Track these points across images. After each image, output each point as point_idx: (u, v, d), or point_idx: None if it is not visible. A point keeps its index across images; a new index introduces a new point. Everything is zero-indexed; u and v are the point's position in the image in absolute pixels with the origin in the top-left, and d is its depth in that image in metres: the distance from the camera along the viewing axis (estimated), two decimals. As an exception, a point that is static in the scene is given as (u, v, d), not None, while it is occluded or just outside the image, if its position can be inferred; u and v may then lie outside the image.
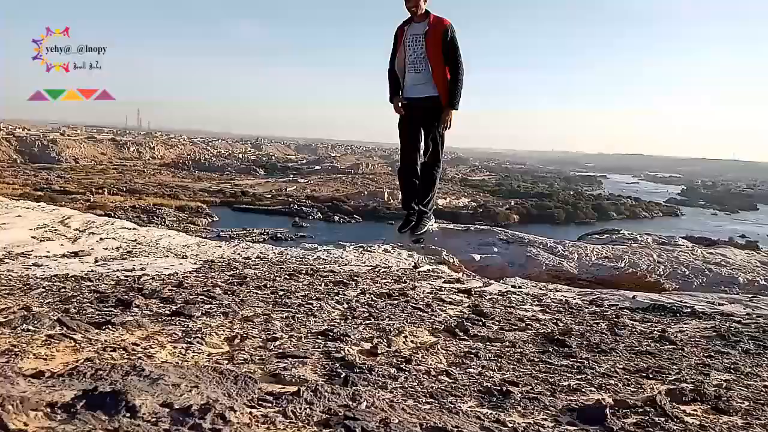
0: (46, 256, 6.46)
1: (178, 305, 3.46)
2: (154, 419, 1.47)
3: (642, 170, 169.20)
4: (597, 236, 15.76)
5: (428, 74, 3.93)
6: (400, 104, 4.08)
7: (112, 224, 9.57)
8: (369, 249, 11.38)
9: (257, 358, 2.50)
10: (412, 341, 3.17)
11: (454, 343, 3.25)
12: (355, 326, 3.37)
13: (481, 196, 70.82)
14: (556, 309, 5.12)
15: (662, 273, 10.54)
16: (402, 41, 3.98)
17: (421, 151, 4.17)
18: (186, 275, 5.49)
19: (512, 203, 63.81)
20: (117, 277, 5.09)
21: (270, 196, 63.29)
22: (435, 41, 3.85)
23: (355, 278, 5.98)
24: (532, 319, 4.34)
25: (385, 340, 3.05)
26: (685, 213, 71.56)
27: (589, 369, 2.82)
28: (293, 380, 2.17)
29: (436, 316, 4.03)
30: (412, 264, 9.95)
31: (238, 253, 8.94)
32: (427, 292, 5.41)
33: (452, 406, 2.05)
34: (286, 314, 3.55)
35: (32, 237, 7.54)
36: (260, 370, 2.30)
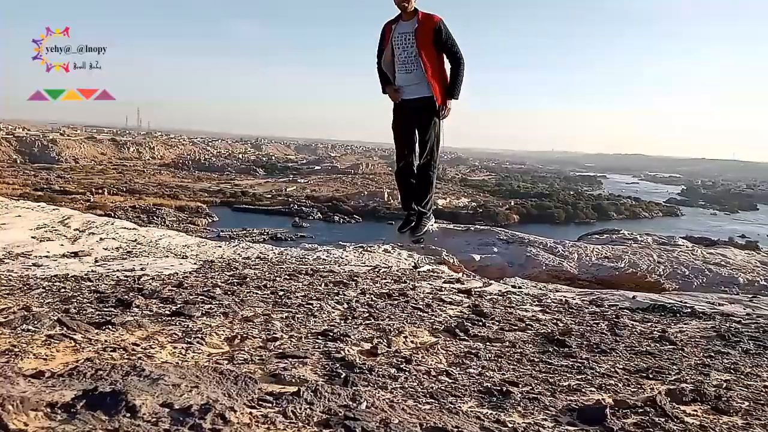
0: (46, 256, 6.46)
1: (178, 305, 3.46)
2: (154, 419, 1.47)
3: (642, 170, 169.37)
4: (597, 236, 15.75)
5: (421, 73, 3.83)
6: (395, 91, 3.91)
7: (112, 224, 9.57)
8: (369, 249, 11.38)
9: (257, 358, 2.49)
10: (412, 341, 3.17)
11: (454, 343, 3.25)
12: (355, 326, 3.37)
13: (481, 196, 70.93)
14: (556, 309, 5.12)
15: (662, 273, 10.54)
16: (389, 39, 3.88)
17: (417, 152, 4.11)
18: (186, 275, 5.49)
19: (512, 203, 63.91)
20: (117, 277, 5.09)
21: (270, 196, 63.36)
22: (426, 39, 3.73)
23: (355, 278, 5.98)
24: (532, 320, 4.34)
25: (385, 341, 3.05)
26: (685, 213, 71.67)
27: (589, 369, 2.82)
28: (293, 380, 2.17)
29: (436, 317, 4.03)
30: (412, 264, 9.95)
31: (238, 254, 8.94)
32: (427, 292, 5.41)
33: (452, 406, 2.05)
34: (286, 314, 3.55)
35: (32, 237, 7.54)
36: (260, 370, 2.29)
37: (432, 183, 4.20)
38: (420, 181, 4.16)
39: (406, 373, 2.44)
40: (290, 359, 2.49)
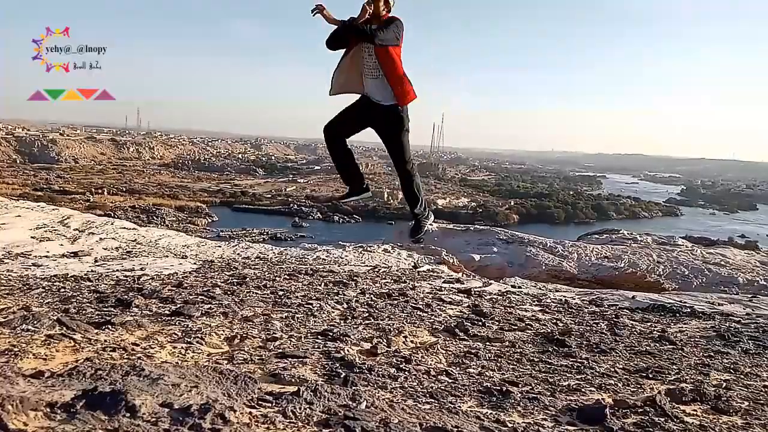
0: (46, 256, 6.45)
1: (178, 305, 3.46)
2: (153, 419, 1.47)
3: (642, 170, 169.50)
4: (596, 236, 15.75)
5: (385, 81, 3.88)
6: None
7: (112, 224, 9.56)
8: (369, 249, 11.38)
9: (257, 358, 2.50)
10: (411, 341, 3.17)
11: (454, 343, 3.25)
12: (355, 326, 3.37)
13: (481, 196, 70.87)
14: (555, 309, 5.13)
15: (662, 273, 10.54)
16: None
17: (348, 136, 4.08)
18: (185, 275, 5.49)
19: (512, 203, 63.85)
20: (117, 277, 5.09)
21: (270, 196, 63.32)
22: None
23: (355, 278, 5.98)
24: (532, 319, 4.34)
25: (385, 340, 3.06)
26: (684, 213, 71.65)
27: (588, 369, 2.82)
28: (293, 380, 2.17)
29: (435, 316, 4.04)
30: (412, 264, 9.95)
31: (238, 253, 8.94)
32: (427, 292, 5.41)
33: (452, 406, 2.05)
34: (286, 314, 3.55)
35: (32, 237, 7.53)
36: (260, 370, 2.30)
37: (419, 189, 4.23)
38: (407, 192, 4.20)
39: (406, 372, 2.44)
40: (290, 359, 2.49)
